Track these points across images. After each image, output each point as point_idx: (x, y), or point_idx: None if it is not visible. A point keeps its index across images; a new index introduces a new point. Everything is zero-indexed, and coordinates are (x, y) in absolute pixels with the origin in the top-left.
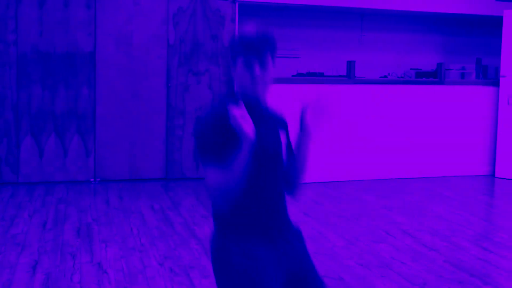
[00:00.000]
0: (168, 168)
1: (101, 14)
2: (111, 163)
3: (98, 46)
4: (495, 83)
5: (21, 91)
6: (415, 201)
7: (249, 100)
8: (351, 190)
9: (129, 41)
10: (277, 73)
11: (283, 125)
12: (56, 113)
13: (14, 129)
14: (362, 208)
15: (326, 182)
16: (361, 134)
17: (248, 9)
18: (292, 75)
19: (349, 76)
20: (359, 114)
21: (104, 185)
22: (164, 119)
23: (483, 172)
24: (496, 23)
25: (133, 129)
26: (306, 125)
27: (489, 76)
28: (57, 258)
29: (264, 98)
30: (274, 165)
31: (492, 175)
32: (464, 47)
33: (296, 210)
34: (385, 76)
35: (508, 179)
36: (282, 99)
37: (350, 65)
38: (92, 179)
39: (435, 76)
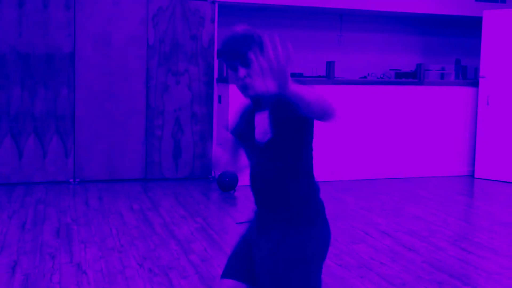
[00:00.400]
0: (147, 169)
1: (80, 15)
2: (91, 164)
3: (77, 47)
4: (475, 83)
5: (0, 92)
6: (394, 201)
7: (249, 98)
8: (329, 191)
9: (109, 42)
10: None
11: (279, 111)
12: (35, 114)
13: None
14: (341, 209)
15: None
16: (340, 134)
17: (228, 10)
18: None
19: (329, 76)
20: (338, 114)
21: (83, 186)
22: (143, 119)
23: (463, 173)
24: (475, 23)
25: (112, 129)
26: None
27: (468, 76)
28: (36, 258)
29: (264, 92)
30: (262, 159)
31: (472, 175)
32: (443, 48)
33: None
34: (365, 77)
35: (487, 179)
36: None
37: (330, 65)
38: (71, 180)
39: (414, 77)
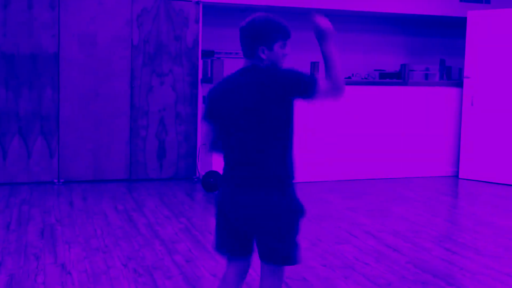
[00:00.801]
0: (132, 169)
1: (64, 15)
2: (75, 164)
3: (61, 47)
4: (459, 84)
5: None
6: (379, 202)
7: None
8: (314, 191)
9: (93, 42)
10: None
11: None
12: (19, 114)
13: None
14: (325, 209)
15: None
16: (324, 135)
17: (212, 10)
18: None
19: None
20: (322, 115)
21: (67, 186)
22: (127, 120)
23: (447, 173)
24: (460, 24)
25: (96, 130)
26: (319, 32)
27: (453, 77)
28: (20, 259)
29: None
30: (242, 134)
31: (456, 176)
32: (428, 48)
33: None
34: (349, 77)
35: (471, 180)
36: None
37: (314, 66)
38: (55, 180)
39: (398, 77)
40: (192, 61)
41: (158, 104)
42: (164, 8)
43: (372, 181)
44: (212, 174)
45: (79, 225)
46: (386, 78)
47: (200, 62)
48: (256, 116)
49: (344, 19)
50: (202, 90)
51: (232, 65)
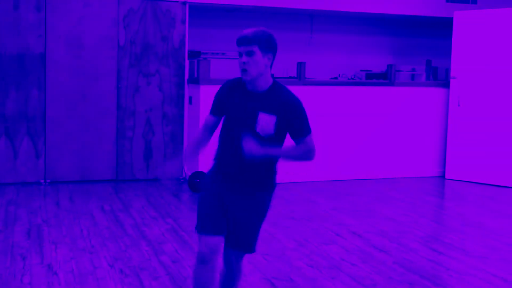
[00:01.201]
0: (119, 170)
1: (51, 16)
2: (61, 165)
3: (48, 48)
4: (445, 84)
5: None
6: (365, 202)
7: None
8: (300, 192)
9: (80, 43)
10: (226, 74)
11: (275, 109)
12: (6, 115)
13: None
14: (312, 210)
15: (276, 183)
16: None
17: (199, 11)
18: None
19: (299, 77)
20: (309, 115)
21: (54, 187)
22: (114, 120)
23: (433, 174)
24: (446, 24)
25: (83, 130)
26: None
27: (439, 77)
28: (7, 259)
29: (253, 81)
30: (242, 133)
31: (442, 176)
32: (414, 49)
33: None
34: (336, 78)
35: (458, 180)
36: None
37: (300, 66)
38: (42, 181)
39: (385, 78)
40: (178, 62)
41: (144, 105)
42: (150, 9)
43: (358, 182)
44: (198, 174)
45: (65, 225)
46: (373, 78)
47: (187, 62)
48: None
49: (330, 20)
50: (189, 91)
51: (219, 65)
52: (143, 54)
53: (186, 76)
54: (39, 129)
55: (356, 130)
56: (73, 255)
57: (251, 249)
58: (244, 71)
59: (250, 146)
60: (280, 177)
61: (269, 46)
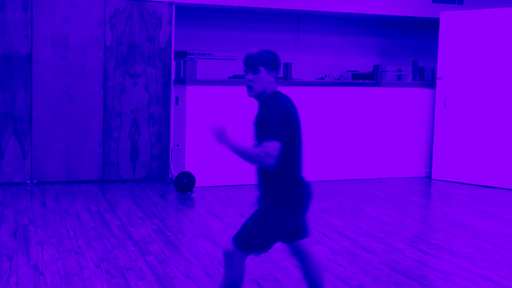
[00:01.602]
0: (105, 170)
1: (37, 16)
2: (48, 165)
3: (34, 48)
4: (432, 85)
5: None
6: (352, 203)
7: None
8: None
9: (66, 43)
10: (213, 75)
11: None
12: None
13: None
14: None
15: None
16: None
17: (185, 11)
18: (229, 77)
19: (286, 78)
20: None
21: (40, 187)
22: (100, 120)
23: (420, 174)
24: (432, 25)
25: (69, 131)
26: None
27: (425, 78)
28: None
29: (256, 97)
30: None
31: (429, 177)
32: (400, 49)
33: (232, 212)
34: (322, 78)
35: (444, 180)
36: (218, 100)
37: (287, 67)
38: (28, 181)
39: (371, 78)
40: (165, 62)
41: (131, 105)
42: (137, 9)
43: (344, 182)
44: (185, 175)
45: (52, 226)
46: (359, 79)
47: (173, 63)
48: None
49: (317, 20)
50: (175, 91)
51: (205, 65)
52: (130, 55)
53: (173, 77)
54: (26, 129)
55: (342, 131)
56: (59, 255)
57: (234, 238)
58: (249, 88)
59: (217, 132)
60: None
61: (273, 65)
